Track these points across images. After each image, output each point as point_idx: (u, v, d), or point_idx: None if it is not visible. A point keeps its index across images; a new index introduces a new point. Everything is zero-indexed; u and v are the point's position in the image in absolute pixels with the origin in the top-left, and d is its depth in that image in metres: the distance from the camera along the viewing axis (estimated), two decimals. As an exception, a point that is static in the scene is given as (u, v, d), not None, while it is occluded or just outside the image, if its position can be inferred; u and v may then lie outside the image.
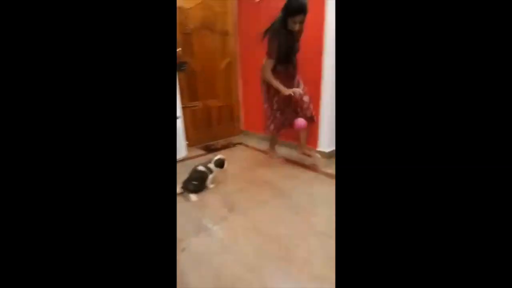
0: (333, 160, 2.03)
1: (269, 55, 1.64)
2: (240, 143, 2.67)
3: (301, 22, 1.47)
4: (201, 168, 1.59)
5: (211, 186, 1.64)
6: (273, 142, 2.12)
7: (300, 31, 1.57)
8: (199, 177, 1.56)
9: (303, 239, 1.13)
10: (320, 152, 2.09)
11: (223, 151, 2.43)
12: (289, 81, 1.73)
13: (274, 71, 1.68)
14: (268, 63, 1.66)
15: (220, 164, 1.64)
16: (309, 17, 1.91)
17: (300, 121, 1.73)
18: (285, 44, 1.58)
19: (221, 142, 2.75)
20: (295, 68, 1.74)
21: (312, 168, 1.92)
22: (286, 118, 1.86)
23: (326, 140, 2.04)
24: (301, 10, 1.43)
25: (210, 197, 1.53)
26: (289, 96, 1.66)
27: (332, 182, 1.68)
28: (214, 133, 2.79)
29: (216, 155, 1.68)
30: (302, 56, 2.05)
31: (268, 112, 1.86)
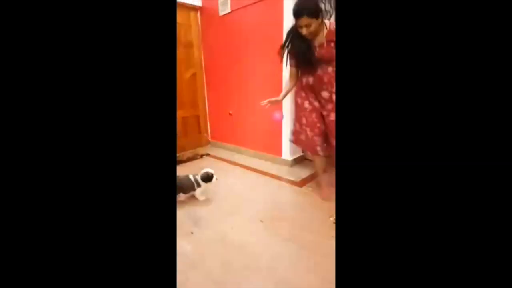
0: (296, 168, 2.15)
1: (288, 62, 1.50)
2: (207, 154, 2.67)
3: (307, 26, 1.25)
4: (190, 177, 1.57)
5: (202, 198, 1.62)
6: (319, 168, 1.66)
7: (312, 36, 1.33)
8: (181, 183, 1.54)
9: (267, 247, 1.18)
10: (283, 160, 2.19)
11: (189, 163, 2.39)
12: (314, 95, 1.49)
13: (300, 82, 1.51)
14: (288, 72, 1.53)
15: (206, 178, 1.57)
16: (269, 27, 2.04)
17: (276, 116, 1.58)
18: (297, 47, 1.40)
19: (187, 153, 2.71)
20: (321, 81, 1.42)
21: (275, 176, 2.00)
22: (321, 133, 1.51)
23: (289, 148, 2.16)
24: (300, 12, 1.24)
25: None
26: (315, 110, 1.48)
27: (295, 189, 1.78)
28: (180, 145, 2.74)
29: (203, 169, 1.62)
30: (262, 70, 2.17)
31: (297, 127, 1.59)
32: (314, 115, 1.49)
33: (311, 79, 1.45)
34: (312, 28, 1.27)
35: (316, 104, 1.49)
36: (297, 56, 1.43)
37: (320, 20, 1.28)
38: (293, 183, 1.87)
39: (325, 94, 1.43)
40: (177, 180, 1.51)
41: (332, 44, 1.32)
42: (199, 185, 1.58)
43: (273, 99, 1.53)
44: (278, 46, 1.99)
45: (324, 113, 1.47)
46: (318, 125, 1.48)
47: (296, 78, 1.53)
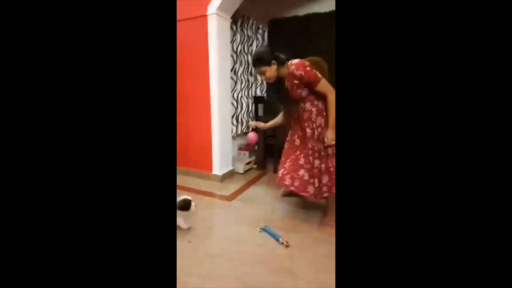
0: (226, 183, 2.20)
1: None
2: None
3: (263, 73, 1.44)
4: None
5: (185, 226, 1.44)
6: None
7: (271, 80, 1.48)
8: None
9: (196, 265, 1.16)
10: (214, 176, 2.21)
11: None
12: (301, 133, 1.53)
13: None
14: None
15: (183, 206, 1.39)
16: (196, 44, 2.09)
17: (251, 136, 1.68)
18: (269, 91, 1.64)
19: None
20: (301, 118, 1.50)
21: (207, 193, 1.99)
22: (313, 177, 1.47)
23: (219, 164, 2.20)
24: (253, 63, 1.49)
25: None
26: (291, 150, 1.54)
27: (225, 204, 1.81)
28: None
29: (180, 195, 1.41)
30: (191, 85, 2.18)
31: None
32: (285, 156, 1.58)
33: (295, 116, 1.54)
34: (268, 74, 1.43)
35: (297, 142, 1.53)
36: (271, 96, 1.63)
37: (275, 66, 1.41)
38: (223, 197, 1.90)
39: (308, 131, 1.47)
40: None
41: (296, 86, 1.43)
42: None
43: (258, 124, 1.68)
44: (205, 63, 2.06)
45: (315, 154, 1.46)
46: (286, 165, 1.54)
47: (284, 114, 1.65)
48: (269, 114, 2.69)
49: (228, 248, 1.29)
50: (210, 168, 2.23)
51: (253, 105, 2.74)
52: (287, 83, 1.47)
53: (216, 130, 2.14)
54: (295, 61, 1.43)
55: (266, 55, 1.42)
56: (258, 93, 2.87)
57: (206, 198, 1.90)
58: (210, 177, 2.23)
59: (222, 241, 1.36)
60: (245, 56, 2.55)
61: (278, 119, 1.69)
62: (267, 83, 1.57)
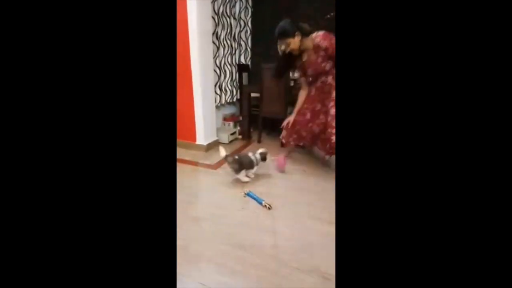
0: (211, 152, 2.19)
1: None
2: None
3: (287, 45, 1.49)
4: (250, 155, 1.62)
5: (253, 172, 1.65)
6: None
7: (296, 52, 1.55)
8: (242, 161, 1.57)
9: (181, 228, 1.19)
10: (198, 146, 2.19)
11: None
12: (319, 104, 1.68)
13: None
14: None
15: (264, 157, 1.66)
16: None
17: (279, 162, 1.77)
18: (278, 64, 1.72)
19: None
20: (322, 91, 1.62)
21: (190, 162, 1.99)
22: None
23: (203, 133, 2.17)
24: (277, 35, 1.50)
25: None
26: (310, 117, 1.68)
27: (210, 172, 1.83)
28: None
29: (259, 148, 1.69)
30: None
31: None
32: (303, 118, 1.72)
33: (313, 90, 1.65)
34: (292, 45, 1.47)
35: (318, 107, 1.64)
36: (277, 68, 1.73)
37: (299, 37, 1.45)
38: (208, 166, 1.91)
39: (326, 102, 1.60)
40: (239, 158, 1.57)
41: (320, 59, 1.47)
42: (257, 163, 1.62)
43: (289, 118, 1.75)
44: (183, 23, 1.92)
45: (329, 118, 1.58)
46: (298, 127, 1.73)
47: (306, 91, 1.70)
48: (254, 84, 2.64)
49: (212, 211, 1.33)
50: (193, 138, 2.19)
51: (237, 73, 2.64)
52: (310, 57, 1.52)
53: (198, 98, 2.07)
54: (321, 32, 1.47)
55: (289, 26, 1.45)
56: (242, 61, 2.76)
57: (189, 167, 1.90)
58: (194, 147, 2.20)
59: (207, 205, 1.39)
60: (228, 19, 2.39)
61: (301, 100, 1.73)
62: (281, 57, 1.61)
